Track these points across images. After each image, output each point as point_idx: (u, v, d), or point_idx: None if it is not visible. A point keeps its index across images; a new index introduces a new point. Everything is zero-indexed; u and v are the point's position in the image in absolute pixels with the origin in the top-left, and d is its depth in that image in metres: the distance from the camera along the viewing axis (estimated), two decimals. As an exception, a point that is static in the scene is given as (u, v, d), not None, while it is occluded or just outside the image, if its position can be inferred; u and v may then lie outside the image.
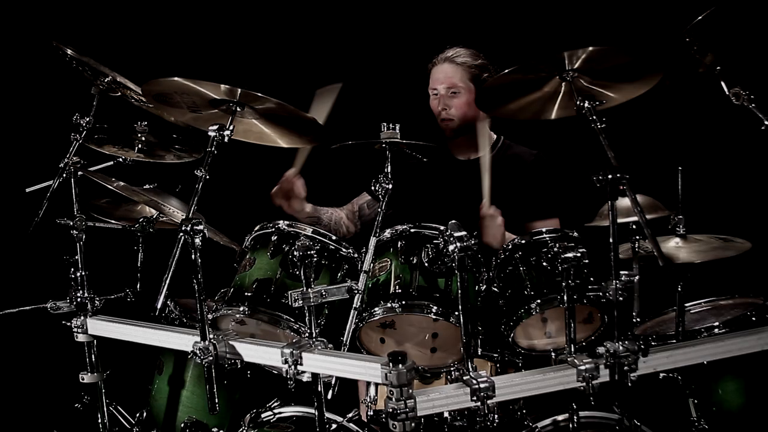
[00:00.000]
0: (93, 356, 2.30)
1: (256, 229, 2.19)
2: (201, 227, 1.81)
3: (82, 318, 2.24)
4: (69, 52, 2.29)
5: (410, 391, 1.59)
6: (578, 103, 1.89)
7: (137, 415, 2.56)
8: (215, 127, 2.01)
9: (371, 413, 2.23)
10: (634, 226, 2.26)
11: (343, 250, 2.11)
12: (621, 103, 2.07)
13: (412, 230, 2.07)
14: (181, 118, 2.26)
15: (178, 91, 2.08)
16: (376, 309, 1.95)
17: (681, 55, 2.02)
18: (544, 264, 2.00)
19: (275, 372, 2.12)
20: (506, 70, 1.99)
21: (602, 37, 3.15)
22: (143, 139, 2.65)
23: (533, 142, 2.98)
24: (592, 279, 1.97)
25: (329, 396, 1.87)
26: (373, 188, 2.08)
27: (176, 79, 2.02)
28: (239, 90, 2.04)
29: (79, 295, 2.25)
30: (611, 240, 1.70)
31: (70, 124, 2.35)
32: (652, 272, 2.07)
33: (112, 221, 2.76)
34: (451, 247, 1.67)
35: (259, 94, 2.05)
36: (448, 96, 2.83)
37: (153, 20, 3.56)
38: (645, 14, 3.23)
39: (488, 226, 2.49)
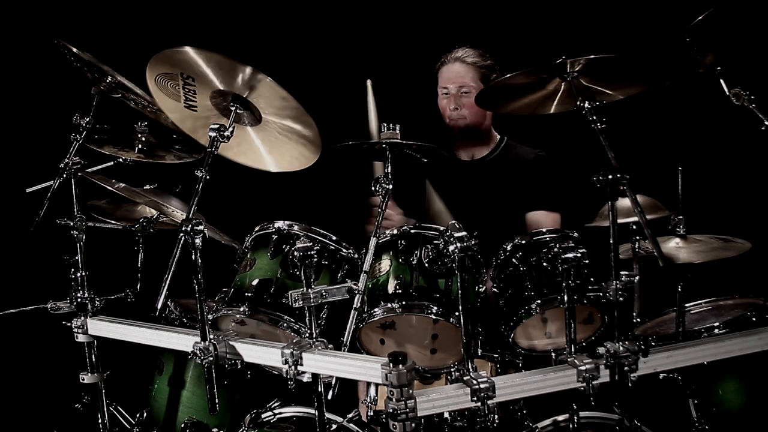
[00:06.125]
0: (93, 356, 2.30)
1: (256, 229, 2.18)
2: (201, 227, 1.81)
3: (83, 318, 2.24)
4: (74, 50, 2.28)
5: (410, 391, 1.59)
6: (579, 103, 1.90)
7: (137, 415, 2.56)
8: (215, 127, 2.01)
9: (371, 413, 2.24)
10: (634, 227, 2.26)
11: (344, 250, 2.11)
12: (621, 99, 2.07)
13: (412, 231, 2.07)
14: (176, 114, 2.23)
15: (185, 72, 2.04)
16: (376, 309, 1.95)
17: (681, 56, 2.02)
18: (545, 264, 2.00)
19: (275, 372, 2.12)
20: (509, 75, 2.01)
21: (603, 37, 3.19)
22: (143, 139, 2.64)
23: (537, 141, 2.98)
24: (592, 279, 1.97)
25: (329, 396, 1.87)
26: (373, 188, 2.08)
27: (187, 49, 1.96)
28: (248, 69, 2.02)
29: (79, 295, 2.25)
30: (611, 240, 1.70)
31: (70, 125, 2.35)
32: (653, 272, 2.07)
33: (112, 222, 2.75)
34: (451, 248, 1.67)
35: (269, 79, 2.01)
36: (458, 95, 2.83)
37: (154, 20, 3.56)
38: (645, 14, 3.23)
39: None
